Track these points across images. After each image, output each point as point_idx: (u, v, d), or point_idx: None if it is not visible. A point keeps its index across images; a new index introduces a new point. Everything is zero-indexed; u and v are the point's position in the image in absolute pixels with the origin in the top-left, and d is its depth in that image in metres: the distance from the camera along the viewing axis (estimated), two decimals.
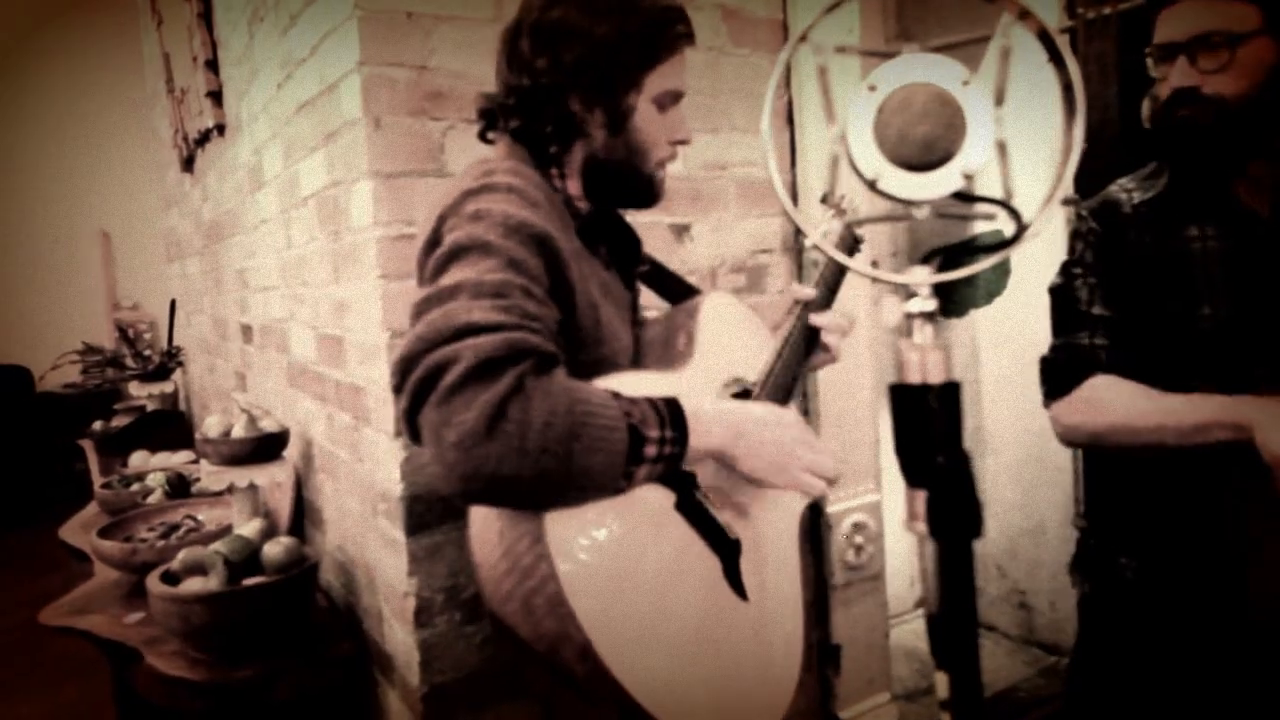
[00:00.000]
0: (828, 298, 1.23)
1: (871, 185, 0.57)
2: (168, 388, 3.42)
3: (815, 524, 2.11)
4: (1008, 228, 0.57)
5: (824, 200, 1.42)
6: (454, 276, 0.86)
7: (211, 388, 3.48)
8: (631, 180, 1.08)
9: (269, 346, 2.43)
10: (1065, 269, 1.27)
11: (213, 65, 2.57)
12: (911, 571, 3.15)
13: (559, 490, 0.82)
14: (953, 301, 2.92)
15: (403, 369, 0.82)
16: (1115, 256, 1.21)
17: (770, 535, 1.06)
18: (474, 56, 1.57)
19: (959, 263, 0.57)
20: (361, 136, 1.47)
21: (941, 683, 0.56)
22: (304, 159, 1.85)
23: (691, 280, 1.89)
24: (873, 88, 0.57)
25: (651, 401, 0.88)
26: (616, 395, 0.86)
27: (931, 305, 0.57)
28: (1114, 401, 1.15)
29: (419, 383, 0.79)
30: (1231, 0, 1.05)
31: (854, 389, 2.11)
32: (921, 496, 0.57)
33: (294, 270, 2.06)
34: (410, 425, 0.82)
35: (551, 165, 1.07)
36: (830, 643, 2.12)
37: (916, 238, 2.95)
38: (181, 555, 1.68)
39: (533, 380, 0.80)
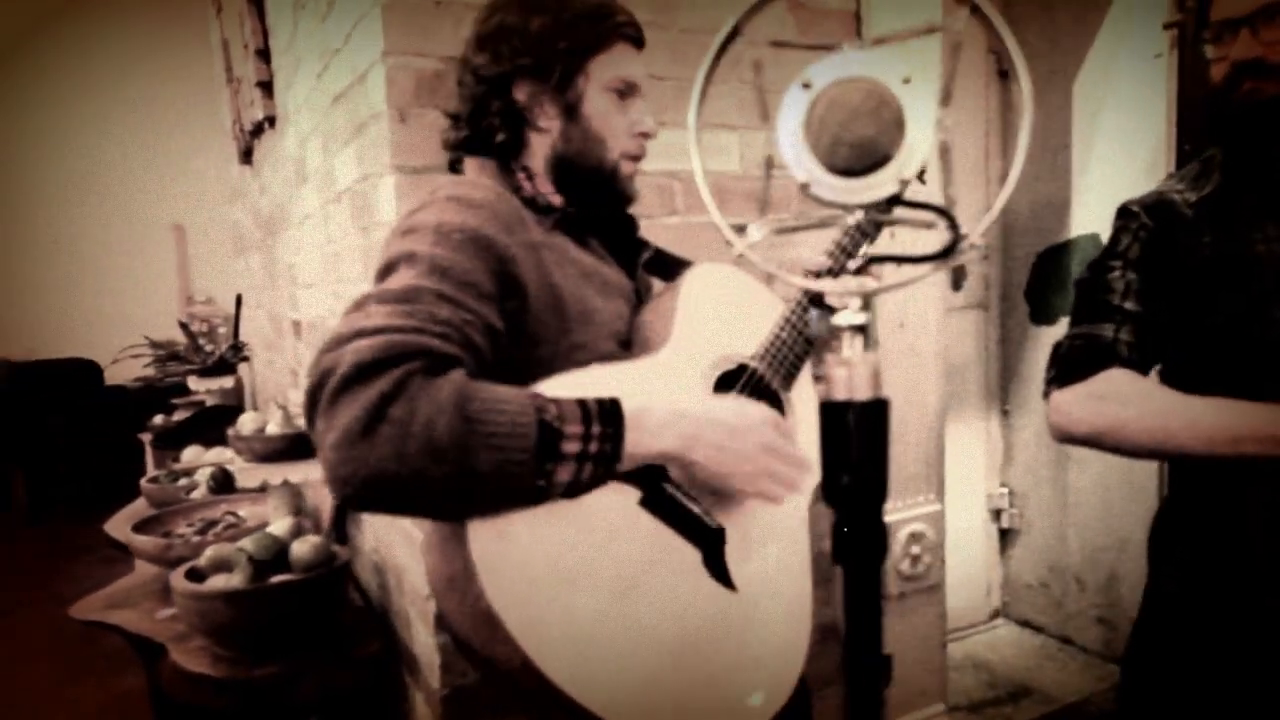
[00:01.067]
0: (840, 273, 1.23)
1: (804, 189, 0.58)
2: (227, 383, 3.60)
3: None
4: (945, 238, 0.57)
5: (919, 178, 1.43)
6: (374, 291, 0.90)
7: (272, 384, 3.66)
8: (595, 173, 1.11)
9: (315, 343, 2.55)
10: (1099, 263, 1.24)
11: (264, 54, 2.69)
12: (988, 580, 3.09)
13: (457, 495, 0.82)
14: (1042, 307, 2.84)
15: (309, 376, 0.84)
16: (1166, 256, 1.18)
17: (767, 520, 1.04)
18: None
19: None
20: (385, 130, 1.54)
21: None
22: (339, 152, 1.93)
23: None
24: (807, 85, 0.57)
25: (580, 400, 0.88)
26: (534, 395, 0.86)
27: (862, 318, 0.57)
28: (1131, 397, 1.11)
29: (309, 392, 0.82)
30: None
31: (920, 396, 2.08)
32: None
33: (332, 266, 2.16)
34: (311, 433, 0.85)
35: (516, 169, 1.11)
36: (880, 658, 2.09)
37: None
38: (209, 552, 1.78)
39: (419, 381, 0.80)
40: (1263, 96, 1.08)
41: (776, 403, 1.10)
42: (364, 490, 0.80)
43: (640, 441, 0.90)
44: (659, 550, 0.93)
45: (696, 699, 0.93)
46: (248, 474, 1.94)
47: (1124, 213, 1.25)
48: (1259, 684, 1.14)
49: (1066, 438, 1.19)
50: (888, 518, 2.03)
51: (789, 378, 1.13)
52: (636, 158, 1.14)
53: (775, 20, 1.87)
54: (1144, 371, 1.16)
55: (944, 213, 0.57)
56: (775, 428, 0.97)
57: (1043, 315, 2.87)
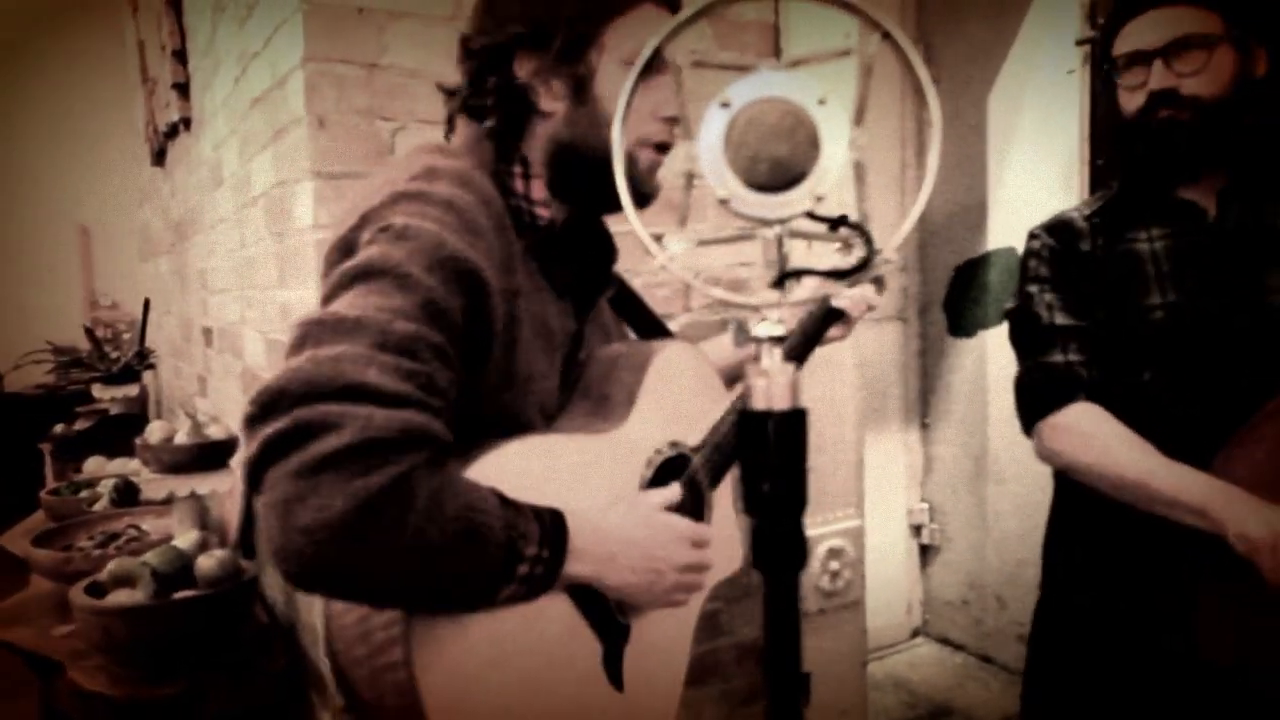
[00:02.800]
0: (816, 332, 1.27)
1: (723, 204, 0.60)
2: (131, 391, 3.47)
3: None
4: (860, 252, 0.59)
5: (832, 227, 1.47)
6: (359, 305, 0.76)
7: (179, 392, 3.54)
8: (606, 166, 0.89)
9: (226, 351, 2.48)
10: (1021, 290, 1.33)
11: (180, 56, 2.63)
12: (909, 598, 3.17)
13: (413, 601, 0.78)
14: (960, 320, 2.94)
15: (266, 405, 0.70)
16: (1070, 266, 1.28)
17: (664, 619, 1.01)
18: (430, 55, 1.60)
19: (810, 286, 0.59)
20: (304, 135, 1.51)
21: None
22: (255, 156, 1.89)
23: (662, 294, 1.94)
24: (726, 104, 0.59)
25: (537, 513, 0.82)
26: (503, 500, 0.79)
27: (780, 330, 0.59)
28: (1098, 439, 1.20)
29: (281, 436, 0.68)
30: (1199, 8, 1.14)
31: (838, 412, 2.13)
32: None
33: (245, 272, 2.11)
34: (253, 476, 0.71)
35: (513, 160, 0.96)
36: (800, 671, 2.13)
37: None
38: (110, 566, 1.72)
39: (422, 477, 0.71)
40: (1178, 123, 1.16)
41: (701, 500, 1.08)
42: (328, 584, 0.73)
43: (569, 564, 0.85)
44: (570, 643, 0.91)
45: None
46: (153, 485, 1.88)
47: (1030, 238, 1.34)
48: (1144, 683, 1.22)
49: (1051, 464, 1.29)
50: (806, 533, 2.08)
51: (721, 473, 1.11)
52: (661, 146, 0.97)
53: (695, 33, 1.90)
54: (1104, 385, 1.24)
55: (858, 228, 0.59)
56: (690, 544, 0.95)
57: (961, 327, 2.95)
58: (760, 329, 0.59)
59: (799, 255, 0.61)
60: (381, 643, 0.80)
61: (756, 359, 0.59)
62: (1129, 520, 1.18)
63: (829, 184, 0.58)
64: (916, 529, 3.14)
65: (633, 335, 1.24)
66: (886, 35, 0.58)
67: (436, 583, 0.76)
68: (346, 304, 0.77)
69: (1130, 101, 1.20)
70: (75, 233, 6.37)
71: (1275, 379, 1.11)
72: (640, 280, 1.90)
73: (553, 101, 0.95)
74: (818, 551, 2.11)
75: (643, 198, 0.98)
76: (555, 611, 0.88)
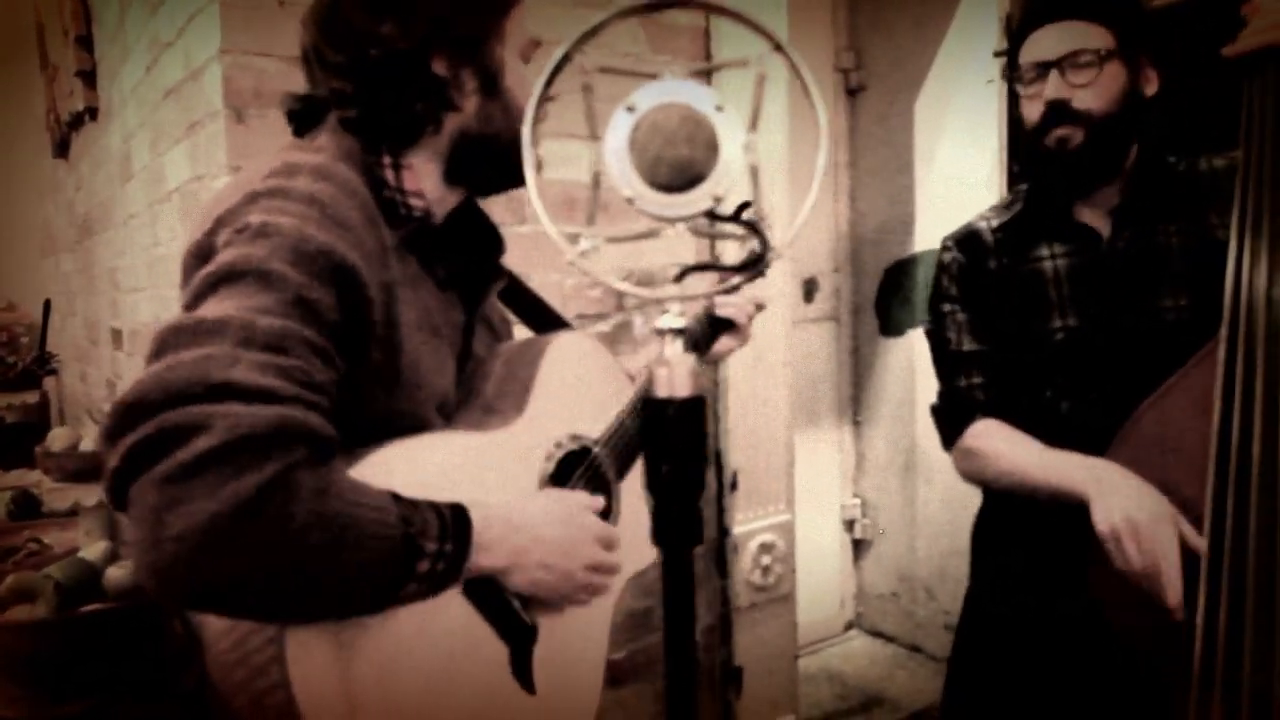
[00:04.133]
0: (705, 336, 1.30)
1: (629, 202, 0.65)
2: (30, 398, 3.40)
3: (721, 544, 2.20)
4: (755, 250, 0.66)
5: (733, 218, 1.53)
6: (221, 308, 0.74)
7: (84, 398, 3.47)
8: (509, 153, 0.91)
9: (138, 353, 2.46)
10: (934, 308, 1.43)
11: (85, 41, 2.58)
12: (842, 592, 3.28)
13: (303, 608, 0.76)
14: (890, 320, 3.06)
15: (126, 416, 0.67)
16: (978, 284, 1.38)
17: (575, 620, 1.02)
18: None
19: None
20: (221, 129, 1.53)
21: None
22: (169, 150, 1.89)
23: (594, 294, 2.00)
24: (631, 108, 0.65)
25: (436, 508, 0.82)
26: (396, 497, 0.79)
27: (681, 322, 0.65)
28: (990, 453, 1.32)
29: (145, 444, 0.66)
30: (1092, 23, 1.24)
31: (768, 408, 2.20)
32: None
33: (159, 270, 2.10)
34: (118, 490, 0.68)
35: (381, 153, 0.96)
36: (732, 665, 2.21)
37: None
38: (8, 580, 1.69)
39: (303, 475, 0.70)
40: (1071, 146, 1.25)
41: (609, 492, 1.10)
42: (204, 597, 0.70)
43: (478, 559, 0.85)
44: (470, 648, 0.90)
45: None
46: (57, 495, 1.86)
47: (943, 249, 1.43)
48: (1063, 669, 1.31)
49: (972, 484, 1.40)
50: (737, 529, 2.16)
51: (627, 464, 1.13)
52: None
53: (628, 35, 1.97)
54: (1005, 403, 1.34)
55: (753, 227, 0.65)
56: (600, 541, 0.98)
57: (891, 327, 3.07)
58: (662, 321, 0.65)
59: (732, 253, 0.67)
60: (260, 665, 0.78)
61: (660, 349, 0.65)
62: (1046, 515, 1.26)
63: (726, 185, 0.64)
64: (849, 524, 3.25)
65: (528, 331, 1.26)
66: (778, 47, 0.65)
67: (333, 586, 0.74)
68: (209, 308, 0.75)
69: (1031, 110, 1.29)
70: None
71: None
72: (572, 281, 1.96)
73: (464, 97, 0.97)
74: (749, 547, 2.18)
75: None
76: (452, 619, 0.88)
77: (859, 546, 3.28)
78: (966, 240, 1.41)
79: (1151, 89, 1.28)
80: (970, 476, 1.38)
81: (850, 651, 3.22)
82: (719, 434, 2.17)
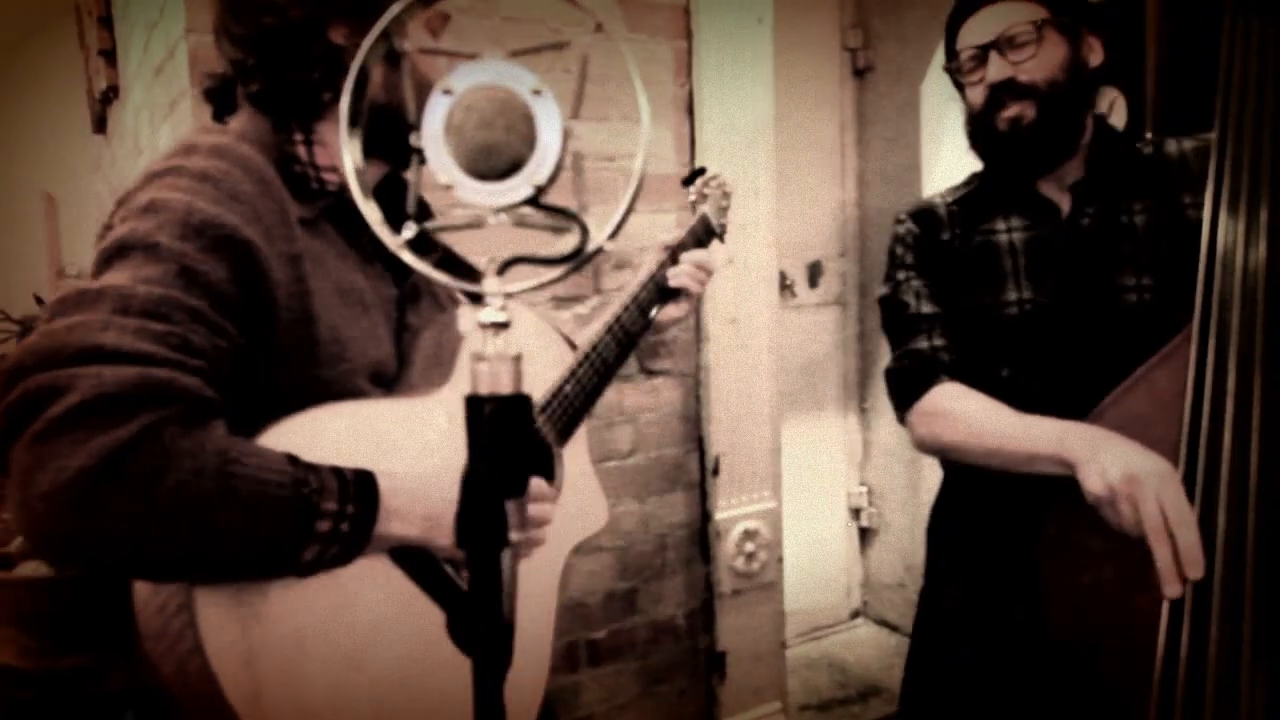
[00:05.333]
0: (647, 303, 1.27)
1: (448, 190, 0.61)
2: None
3: (703, 530, 2.16)
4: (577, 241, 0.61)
5: (687, 183, 1.49)
6: (106, 280, 0.76)
7: None
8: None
9: None
10: (890, 277, 1.36)
11: (106, 22, 2.61)
12: (848, 580, 3.21)
13: (187, 567, 0.75)
14: None
15: (3, 382, 0.69)
16: (934, 254, 1.31)
17: (520, 583, 1.03)
18: None
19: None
20: (189, 108, 1.52)
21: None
22: (159, 127, 1.90)
23: (573, 276, 1.95)
24: (448, 91, 0.61)
25: (339, 471, 0.81)
26: (293, 459, 0.78)
27: (503, 316, 0.61)
28: (960, 415, 1.22)
29: (18, 405, 0.68)
30: (1023, 1, 1.20)
31: (752, 394, 2.15)
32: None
33: None
34: (1, 454, 0.69)
35: (292, 130, 0.95)
36: (715, 650, 2.18)
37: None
38: (19, 539, 1.74)
39: (173, 432, 0.70)
40: (1024, 124, 1.20)
41: (548, 457, 1.09)
42: (76, 554, 0.70)
43: (389, 526, 0.84)
44: (400, 610, 0.89)
45: None
46: None
47: (896, 222, 1.38)
48: (1006, 664, 1.25)
49: (928, 453, 1.30)
50: (719, 515, 2.11)
51: (567, 431, 1.12)
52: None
53: (605, 13, 1.91)
54: (967, 368, 1.26)
55: (574, 217, 0.60)
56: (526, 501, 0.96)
57: None
58: (483, 314, 0.61)
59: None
60: (177, 631, 0.79)
61: (480, 344, 0.61)
62: (1005, 501, 1.21)
63: (546, 173, 0.60)
64: (856, 512, 3.17)
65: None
66: (599, 27, 0.60)
67: (217, 544, 0.74)
68: (96, 281, 0.77)
69: (975, 96, 1.24)
70: (41, 200, 6.32)
71: (1127, 376, 1.12)
72: None
73: (371, 66, 0.96)
74: (732, 533, 2.14)
75: None
76: (383, 584, 0.88)
77: (865, 535, 3.21)
78: (920, 213, 1.36)
79: (1096, 59, 1.23)
80: (930, 443, 1.26)
81: (854, 640, 3.16)
82: (701, 419, 2.12)
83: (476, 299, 0.61)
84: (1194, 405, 1.05)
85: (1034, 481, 1.12)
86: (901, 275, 1.34)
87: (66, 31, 5.57)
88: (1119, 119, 2.04)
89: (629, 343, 1.23)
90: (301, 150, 0.95)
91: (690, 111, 2.07)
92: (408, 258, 0.62)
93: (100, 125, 3.38)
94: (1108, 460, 1.01)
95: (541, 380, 1.11)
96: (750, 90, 2.10)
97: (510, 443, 0.60)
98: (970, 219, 1.30)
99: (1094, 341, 1.20)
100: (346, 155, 0.63)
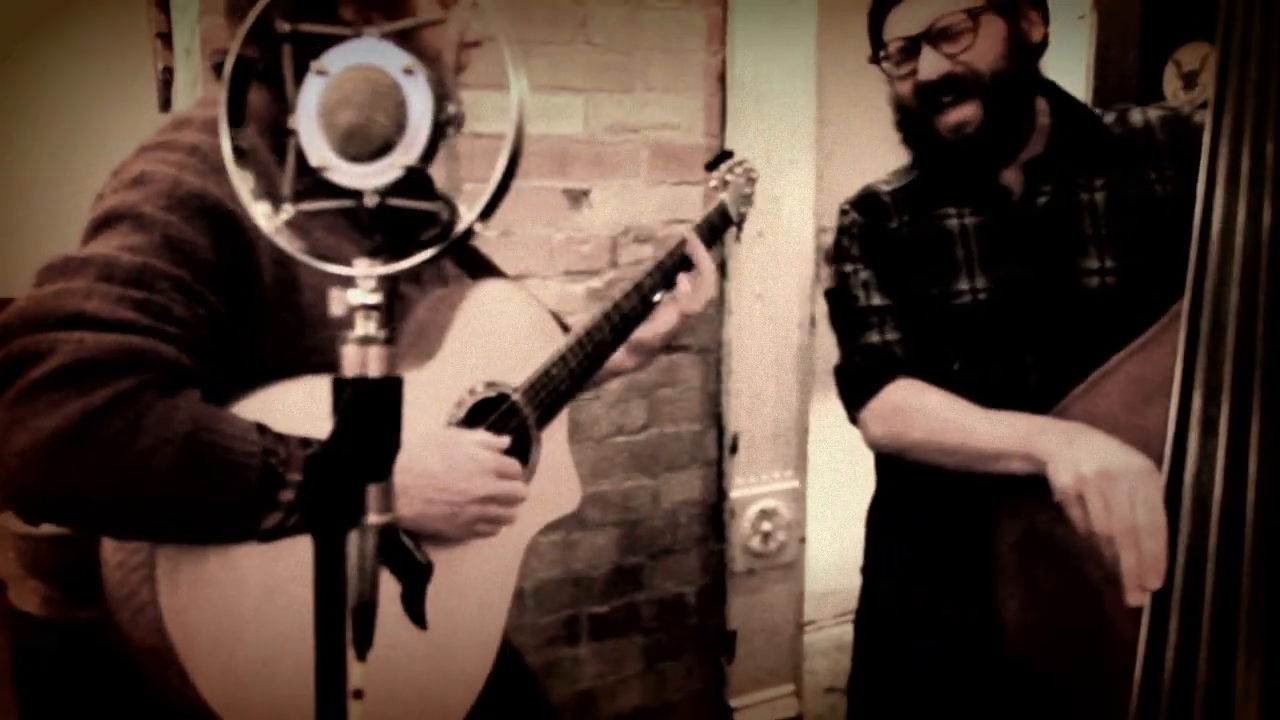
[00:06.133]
0: (651, 292, 1.23)
1: (321, 172, 0.60)
2: None
3: (718, 508, 2.13)
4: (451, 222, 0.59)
5: (710, 167, 1.44)
6: (92, 248, 0.78)
7: None
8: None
9: None
10: (836, 270, 1.27)
11: (164, 5, 2.68)
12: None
13: (154, 527, 0.78)
14: None
15: None
16: (881, 243, 1.23)
17: (479, 560, 1.02)
18: None
19: (405, 256, 0.59)
20: (201, 90, 1.55)
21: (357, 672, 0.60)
22: (189, 106, 1.94)
23: (585, 250, 1.94)
24: (322, 71, 0.59)
25: (306, 443, 0.82)
26: (262, 428, 0.80)
27: (375, 299, 0.60)
28: (919, 411, 1.13)
29: (1, 367, 0.71)
30: None
31: (778, 371, 2.10)
32: None
33: None
34: None
35: (292, 104, 0.96)
36: (725, 629, 2.15)
37: None
38: None
39: (149, 398, 0.73)
40: (970, 131, 1.10)
41: (526, 439, 1.08)
42: (49, 507, 0.74)
43: None
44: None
45: None
46: None
47: (840, 213, 1.29)
48: (956, 674, 1.19)
49: (883, 452, 1.23)
50: (735, 493, 2.07)
51: (550, 414, 1.11)
52: (463, 69, 0.99)
53: None
54: (921, 362, 1.18)
55: (446, 200, 0.59)
56: (494, 474, 0.96)
57: None
58: (353, 296, 0.60)
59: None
60: (136, 582, 0.81)
61: (350, 326, 0.60)
62: (951, 500, 1.15)
63: (416, 154, 0.58)
64: None
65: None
66: (475, 3, 0.57)
67: (182, 507, 0.76)
68: (83, 250, 0.79)
69: (906, 91, 1.14)
70: None
71: (1091, 368, 1.03)
72: (562, 236, 1.91)
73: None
74: (748, 512, 2.10)
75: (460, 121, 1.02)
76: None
77: None
78: (862, 201, 1.26)
79: (1038, 34, 1.12)
80: (888, 443, 1.17)
81: None
82: (720, 394, 2.08)
83: (349, 282, 0.60)
84: (1183, 396, 0.97)
85: (979, 480, 1.05)
86: (849, 267, 1.24)
87: (139, 13, 5.75)
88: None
89: (626, 330, 1.20)
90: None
91: (722, 80, 2.02)
92: (281, 241, 0.61)
93: (165, 105, 3.49)
94: (1082, 454, 0.93)
95: (529, 361, 1.10)
96: (790, 58, 2.03)
97: (370, 427, 0.59)
98: (917, 204, 1.21)
99: (1053, 330, 1.11)
100: (225, 140, 0.61)
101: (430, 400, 0.99)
